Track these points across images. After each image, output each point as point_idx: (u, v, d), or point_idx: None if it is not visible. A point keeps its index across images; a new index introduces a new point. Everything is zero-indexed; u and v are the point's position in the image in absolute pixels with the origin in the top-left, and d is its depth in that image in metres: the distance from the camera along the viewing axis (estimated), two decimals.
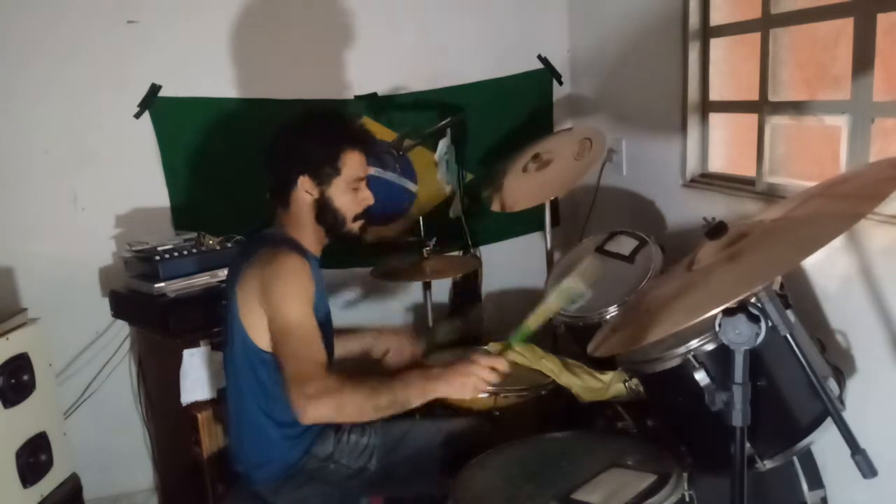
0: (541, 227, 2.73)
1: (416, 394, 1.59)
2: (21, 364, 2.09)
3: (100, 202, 2.59)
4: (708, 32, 2.34)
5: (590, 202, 2.85)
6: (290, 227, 1.84)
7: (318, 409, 1.56)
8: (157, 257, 2.27)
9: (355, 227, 1.87)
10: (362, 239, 1.93)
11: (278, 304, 1.67)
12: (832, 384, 1.58)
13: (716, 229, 1.40)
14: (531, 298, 2.96)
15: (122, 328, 2.60)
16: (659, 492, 1.43)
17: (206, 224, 2.52)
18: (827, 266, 1.85)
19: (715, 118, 2.41)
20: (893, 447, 1.61)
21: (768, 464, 1.54)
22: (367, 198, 1.87)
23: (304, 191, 1.80)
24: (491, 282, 3.07)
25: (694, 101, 2.41)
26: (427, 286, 2.67)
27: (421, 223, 2.68)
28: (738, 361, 1.29)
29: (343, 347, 2.02)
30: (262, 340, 1.72)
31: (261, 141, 1.85)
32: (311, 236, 1.85)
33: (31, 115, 2.48)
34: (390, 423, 1.89)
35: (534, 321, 1.65)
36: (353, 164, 1.82)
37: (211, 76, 2.64)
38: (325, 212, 1.82)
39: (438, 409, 2.06)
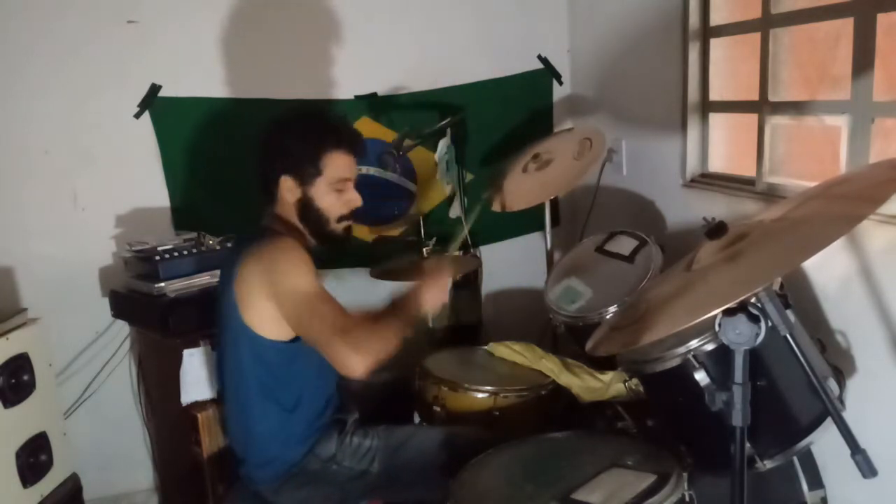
0: (541, 227, 2.73)
1: (410, 315, 1.75)
2: (21, 364, 2.09)
3: (100, 202, 2.58)
4: (708, 32, 2.34)
5: (590, 202, 2.85)
6: (282, 221, 1.84)
7: (368, 353, 1.59)
8: (157, 257, 2.27)
9: (339, 227, 1.86)
10: (348, 240, 1.91)
11: (286, 284, 1.67)
12: (832, 384, 1.58)
13: (716, 229, 1.40)
14: (531, 298, 2.99)
15: (122, 328, 2.60)
16: (659, 492, 1.43)
17: (206, 224, 2.52)
18: (827, 266, 1.85)
19: (715, 118, 2.40)
20: (893, 447, 1.60)
21: (768, 464, 1.54)
22: (353, 199, 1.85)
23: (286, 190, 1.80)
24: (491, 282, 3.07)
25: (694, 101, 2.40)
26: None
27: (421, 223, 2.67)
28: (738, 361, 1.29)
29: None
30: (272, 331, 1.73)
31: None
32: (304, 233, 1.86)
33: (31, 116, 2.48)
34: (393, 428, 1.90)
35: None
36: (336, 164, 1.80)
37: (211, 76, 2.63)
38: (308, 211, 1.82)
39: (440, 413, 2.06)
